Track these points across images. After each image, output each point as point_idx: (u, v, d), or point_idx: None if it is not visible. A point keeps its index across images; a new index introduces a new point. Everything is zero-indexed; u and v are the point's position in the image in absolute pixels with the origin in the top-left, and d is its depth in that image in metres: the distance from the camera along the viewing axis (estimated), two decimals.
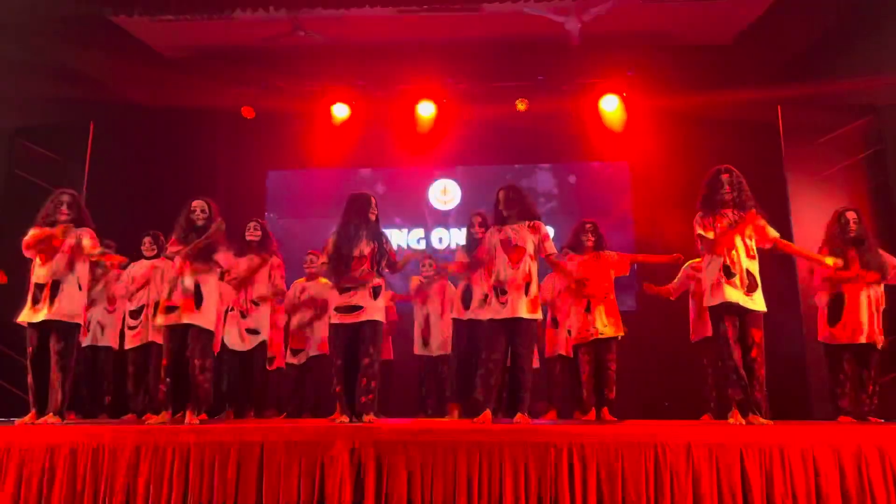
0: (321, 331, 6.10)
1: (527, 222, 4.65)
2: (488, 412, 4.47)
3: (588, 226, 5.57)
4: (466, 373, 5.51)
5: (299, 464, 3.59)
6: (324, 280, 6.10)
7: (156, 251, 5.96)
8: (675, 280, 5.86)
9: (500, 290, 4.54)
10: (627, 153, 8.53)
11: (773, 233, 4.42)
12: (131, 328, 5.90)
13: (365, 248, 4.55)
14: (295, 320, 6.26)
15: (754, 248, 4.34)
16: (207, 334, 4.67)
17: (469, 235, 5.58)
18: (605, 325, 5.31)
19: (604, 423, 4.89)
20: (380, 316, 4.55)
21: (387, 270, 4.71)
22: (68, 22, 6.74)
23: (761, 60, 7.71)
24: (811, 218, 6.12)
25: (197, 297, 4.60)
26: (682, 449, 3.40)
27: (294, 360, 6.22)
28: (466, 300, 5.48)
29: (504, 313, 4.50)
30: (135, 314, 5.90)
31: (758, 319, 4.25)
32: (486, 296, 4.61)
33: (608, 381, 5.31)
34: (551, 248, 4.70)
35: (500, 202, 4.76)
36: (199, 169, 8.40)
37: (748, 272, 4.26)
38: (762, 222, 4.37)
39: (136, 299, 5.90)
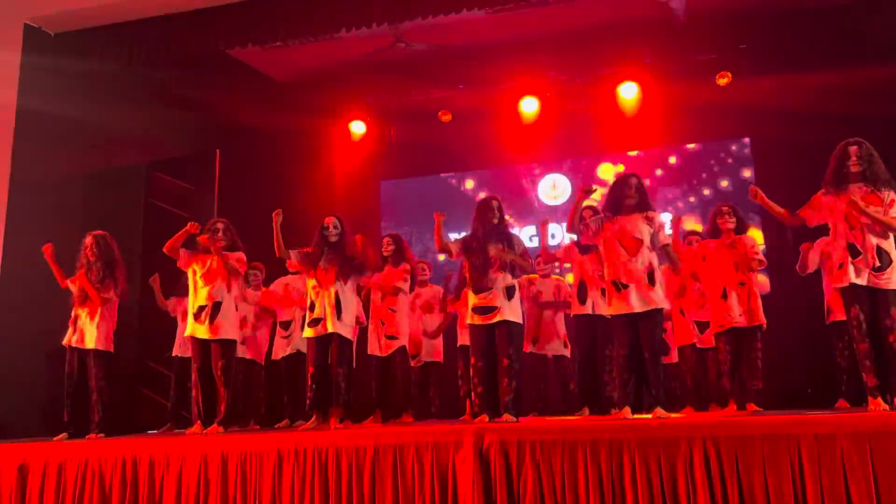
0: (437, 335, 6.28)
1: (642, 213, 4.51)
2: (628, 408, 4.35)
3: (726, 208, 5.28)
4: (589, 370, 5.44)
5: (432, 465, 3.68)
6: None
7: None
8: (810, 254, 5.47)
9: (620, 284, 4.42)
10: (746, 130, 8.10)
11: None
12: (285, 338, 6.17)
13: (492, 250, 4.61)
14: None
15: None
16: (348, 343, 5.04)
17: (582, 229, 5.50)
18: (740, 315, 5.03)
19: (747, 414, 4.65)
20: (515, 316, 4.61)
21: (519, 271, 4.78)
22: (189, 58, 7.24)
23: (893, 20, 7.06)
24: None
25: (338, 308, 4.94)
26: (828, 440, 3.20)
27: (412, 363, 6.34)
28: (582, 295, 5.40)
29: (627, 308, 4.37)
30: (285, 325, 6.19)
31: (891, 298, 3.93)
32: (604, 290, 4.52)
33: (752, 370, 5.03)
34: (666, 238, 4.57)
35: (614, 190, 4.63)
36: (317, 184, 8.77)
37: (879, 249, 3.96)
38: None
39: (287, 314, 6.20)
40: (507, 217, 5.07)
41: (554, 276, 6.24)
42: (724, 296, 5.08)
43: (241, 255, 5.21)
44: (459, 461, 3.63)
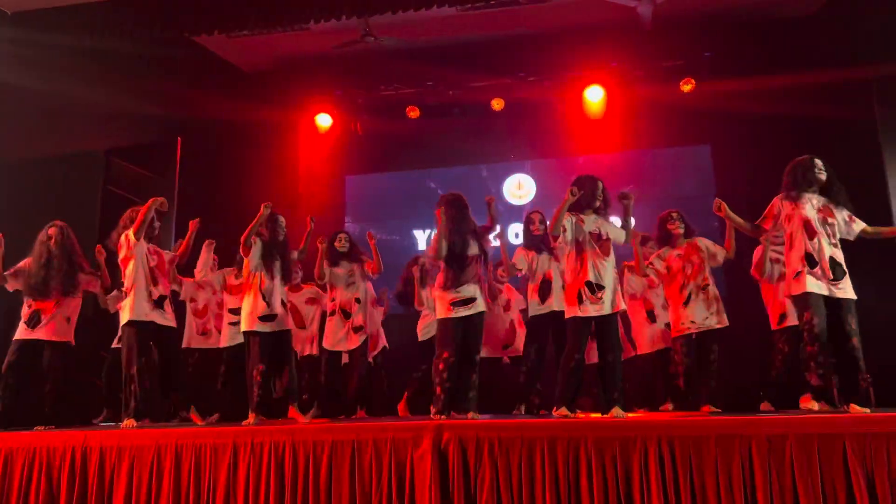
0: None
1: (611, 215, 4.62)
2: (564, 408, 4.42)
3: (674, 213, 5.42)
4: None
5: (390, 461, 3.67)
6: None
7: None
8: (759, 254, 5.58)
9: (595, 286, 4.42)
10: (708, 137, 8.27)
11: (859, 225, 4.24)
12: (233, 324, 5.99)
13: (474, 248, 4.68)
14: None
15: (838, 235, 4.17)
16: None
17: (527, 233, 5.55)
18: (704, 318, 5.14)
19: (702, 415, 4.74)
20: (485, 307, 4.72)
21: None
22: (152, 44, 7.09)
23: (849, 33, 7.28)
24: None
25: (284, 305, 5.04)
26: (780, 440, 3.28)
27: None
28: (544, 293, 5.43)
29: (598, 310, 4.41)
30: (235, 311, 6.07)
31: (849, 307, 4.06)
32: (580, 292, 4.45)
33: (708, 372, 5.14)
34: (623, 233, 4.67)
35: (575, 191, 4.66)
36: (281, 178, 8.68)
37: (833, 260, 4.09)
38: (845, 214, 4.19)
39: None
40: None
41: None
42: (687, 301, 5.19)
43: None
44: (417, 457, 3.63)
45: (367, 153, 8.90)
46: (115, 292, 5.91)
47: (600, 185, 4.59)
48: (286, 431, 3.91)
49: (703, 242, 5.34)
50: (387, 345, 6.55)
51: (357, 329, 5.68)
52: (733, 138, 7.92)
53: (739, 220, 4.47)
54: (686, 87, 7.89)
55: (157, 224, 5.12)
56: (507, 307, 6.21)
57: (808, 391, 4.02)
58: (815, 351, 4.01)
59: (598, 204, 4.57)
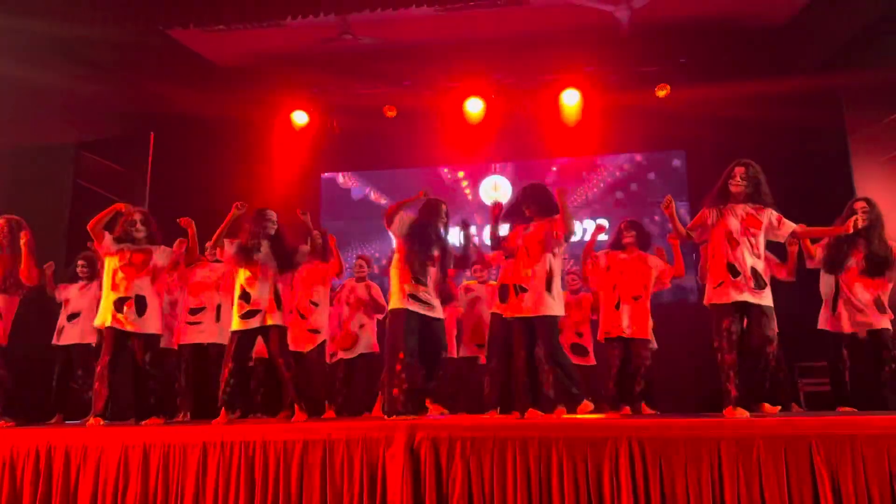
0: (369, 330, 6.21)
1: (547, 218, 4.62)
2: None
3: (626, 223, 5.54)
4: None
5: (362, 460, 3.65)
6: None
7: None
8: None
9: (519, 287, 4.54)
10: (683, 143, 8.38)
11: (788, 227, 4.28)
12: (191, 324, 5.89)
13: (436, 252, 4.71)
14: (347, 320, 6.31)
15: (761, 245, 4.22)
16: (286, 334, 4.98)
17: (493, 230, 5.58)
18: (628, 326, 5.27)
19: (660, 416, 4.80)
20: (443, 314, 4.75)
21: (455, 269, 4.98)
22: (126, 36, 6.97)
23: (818, 42, 7.44)
24: (877, 200, 5.89)
25: (277, 300, 4.86)
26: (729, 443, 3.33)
27: (345, 356, 6.27)
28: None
29: (524, 311, 4.50)
30: (195, 311, 5.90)
31: (768, 313, 4.13)
32: (508, 294, 4.60)
33: (637, 375, 5.26)
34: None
35: (520, 201, 4.77)
36: (255, 174, 8.61)
37: (753, 270, 4.14)
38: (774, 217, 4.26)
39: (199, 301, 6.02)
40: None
41: (492, 282, 6.29)
42: (618, 307, 5.32)
43: (166, 248, 5.13)
44: (389, 457, 3.62)
45: (344, 151, 8.86)
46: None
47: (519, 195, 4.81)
48: (257, 431, 3.88)
49: (654, 261, 5.45)
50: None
51: (313, 331, 5.69)
52: (707, 144, 8.03)
53: (679, 224, 4.51)
54: (661, 93, 7.98)
55: (139, 227, 5.01)
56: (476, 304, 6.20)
57: (729, 401, 4.04)
58: (734, 360, 4.08)
59: (527, 212, 4.71)
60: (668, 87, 7.92)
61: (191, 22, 6.70)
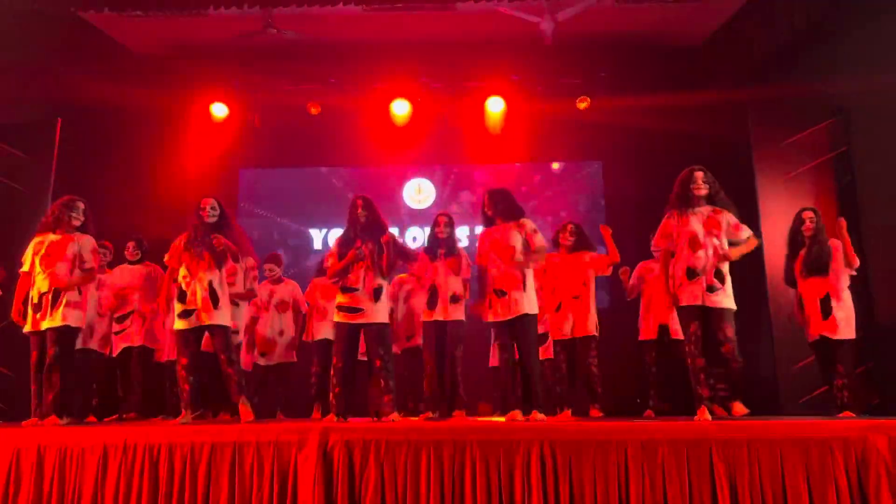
0: (290, 334, 6.16)
1: (513, 222, 4.71)
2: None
3: (569, 227, 5.65)
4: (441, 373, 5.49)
5: (272, 463, 3.57)
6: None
7: (139, 256, 5.97)
8: (631, 279, 5.88)
9: (499, 291, 4.60)
10: (600, 153, 8.64)
11: (745, 232, 4.40)
12: (117, 333, 5.84)
13: (363, 246, 4.62)
14: (266, 322, 6.19)
15: (724, 246, 4.32)
16: (229, 333, 4.74)
17: (432, 235, 5.54)
18: (572, 327, 5.39)
19: (583, 419, 4.90)
20: (382, 317, 4.62)
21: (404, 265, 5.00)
22: (34, 17, 6.59)
23: (731, 62, 7.85)
24: (779, 217, 6.22)
25: (213, 298, 4.62)
26: (657, 445, 3.44)
27: (261, 362, 6.16)
28: (432, 302, 5.39)
29: (505, 314, 4.57)
30: (121, 319, 5.85)
31: (727, 316, 4.25)
32: (489, 299, 4.67)
33: (590, 377, 5.35)
34: (540, 241, 4.70)
35: (484, 204, 4.84)
36: (169, 165, 8.31)
37: (716, 271, 4.27)
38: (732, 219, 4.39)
39: (128, 304, 5.85)
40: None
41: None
42: (559, 308, 5.46)
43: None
44: (302, 460, 3.55)
45: (264, 147, 8.65)
46: None
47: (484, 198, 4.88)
48: (162, 433, 3.73)
49: (587, 255, 5.59)
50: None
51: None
52: (622, 154, 8.34)
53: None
54: (582, 105, 8.20)
55: (72, 214, 4.80)
56: (408, 298, 6.16)
57: (702, 403, 4.16)
58: (704, 363, 4.22)
59: (491, 215, 4.80)
60: (589, 99, 8.14)
61: (106, 6, 6.41)
